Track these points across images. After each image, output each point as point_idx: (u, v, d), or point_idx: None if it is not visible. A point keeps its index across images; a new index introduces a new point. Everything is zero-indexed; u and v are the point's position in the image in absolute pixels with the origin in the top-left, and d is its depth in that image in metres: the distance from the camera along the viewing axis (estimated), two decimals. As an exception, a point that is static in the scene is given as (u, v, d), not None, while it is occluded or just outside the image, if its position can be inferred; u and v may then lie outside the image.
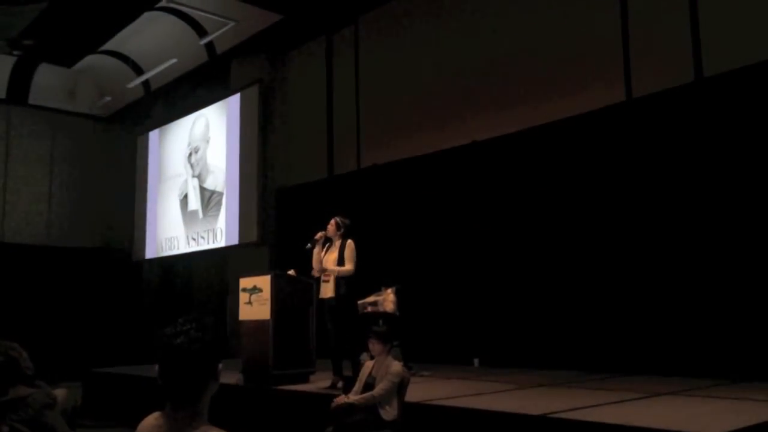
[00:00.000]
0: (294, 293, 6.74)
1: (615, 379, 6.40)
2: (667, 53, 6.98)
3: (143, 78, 12.86)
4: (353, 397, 4.63)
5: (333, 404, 4.59)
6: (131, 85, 13.06)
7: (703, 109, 6.62)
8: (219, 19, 10.71)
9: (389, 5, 9.86)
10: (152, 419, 1.75)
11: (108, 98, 14.03)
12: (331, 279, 6.27)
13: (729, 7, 6.58)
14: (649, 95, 7.01)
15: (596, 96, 7.42)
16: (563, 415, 4.37)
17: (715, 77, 6.58)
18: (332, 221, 6.40)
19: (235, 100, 11.79)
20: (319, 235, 6.42)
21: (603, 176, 7.29)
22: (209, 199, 12.17)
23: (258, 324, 6.64)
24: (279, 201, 11.51)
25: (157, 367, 1.71)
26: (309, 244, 6.44)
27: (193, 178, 12.66)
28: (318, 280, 6.48)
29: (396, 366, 4.64)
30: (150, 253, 13.78)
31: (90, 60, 13.08)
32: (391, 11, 9.87)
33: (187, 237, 12.62)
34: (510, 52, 8.32)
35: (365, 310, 7.26)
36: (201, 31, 11.34)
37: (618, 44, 7.33)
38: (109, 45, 12.39)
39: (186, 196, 12.80)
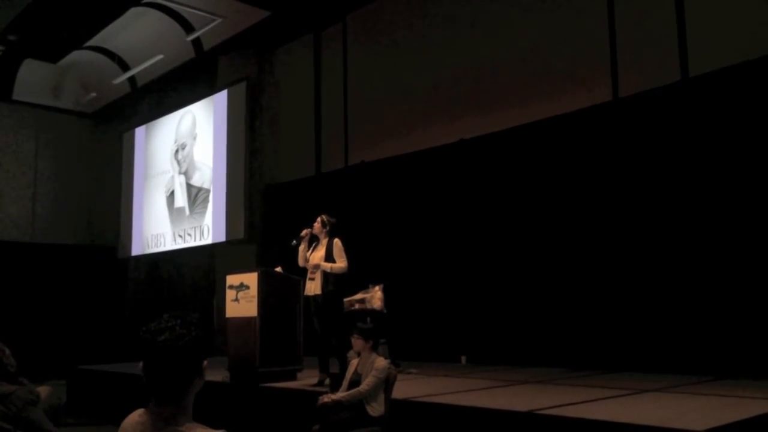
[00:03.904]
0: (281, 290, 6.72)
1: (601, 376, 6.44)
2: (654, 53, 7.02)
3: (129, 74, 12.76)
4: (339, 394, 4.62)
5: (318, 402, 4.58)
6: (117, 81, 12.95)
7: (689, 109, 6.66)
8: (206, 15, 10.65)
9: (377, 3, 9.85)
10: (136, 416, 1.73)
11: (93, 94, 13.91)
12: (318, 276, 6.25)
13: (715, 7, 6.62)
14: (636, 94, 7.05)
15: (583, 95, 7.45)
16: (550, 412, 4.39)
17: (701, 77, 6.63)
18: (318, 219, 6.40)
19: (222, 96, 11.73)
20: (304, 232, 6.42)
21: (589, 175, 7.32)
22: (196, 195, 12.11)
23: (245, 321, 6.62)
24: (266, 198, 11.47)
25: (141, 363, 1.70)
26: (294, 241, 6.44)
27: (180, 175, 12.60)
28: (305, 276, 6.47)
29: (381, 362, 4.65)
30: (136, 250, 13.70)
31: (75, 56, 12.95)
32: (379, 9, 9.86)
33: (174, 234, 12.56)
34: (498, 51, 8.33)
35: (353, 308, 7.26)
36: (188, 27, 11.27)
37: (605, 44, 7.36)
38: (95, 41, 12.28)
39: (172, 193, 12.73)
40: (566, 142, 7.55)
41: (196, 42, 11.51)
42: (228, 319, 6.89)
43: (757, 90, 6.24)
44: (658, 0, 7.02)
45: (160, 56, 11.72)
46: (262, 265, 9.02)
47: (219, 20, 10.66)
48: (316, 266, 6.23)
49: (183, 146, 12.63)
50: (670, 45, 6.85)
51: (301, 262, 6.45)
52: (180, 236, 12.37)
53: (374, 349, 4.80)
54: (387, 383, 4.59)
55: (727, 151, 6.37)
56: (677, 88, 6.79)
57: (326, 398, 4.58)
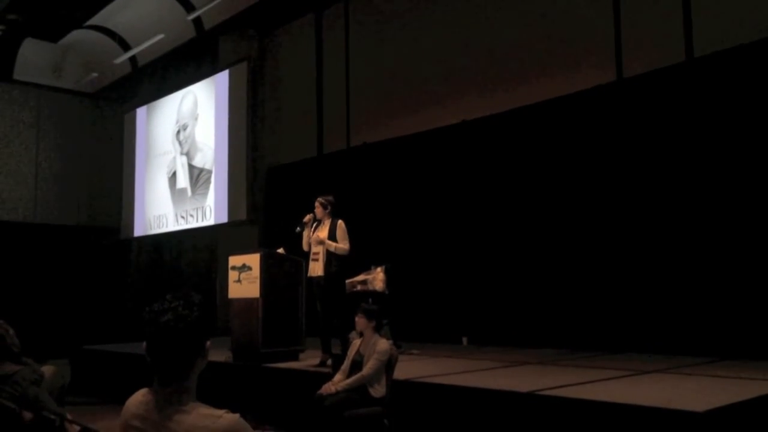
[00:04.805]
0: (283, 271, 6.74)
1: (602, 357, 6.46)
2: (658, 33, 6.95)
3: (130, 54, 12.69)
4: (341, 383, 4.61)
5: (323, 393, 4.57)
6: (118, 61, 12.88)
7: (693, 89, 6.62)
8: (207, -6, 10.56)
9: (380, -18, 9.76)
10: (140, 396, 1.74)
11: (95, 74, 13.84)
12: (321, 257, 6.26)
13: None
14: (640, 75, 7.00)
15: (587, 76, 7.40)
16: (551, 393, 4.41)
17: (705, 57, 6.58)
18: (316, 203, 6.39)
19: (223, 76, 11.67)
20: (307, 217, 6.41)
21: (593, 156, 7.29)
22: (198, 176, 12.10)
23: (247, 302, 6.64)
24: (268, 179, 11.46)
25: (144, 344, 1.70)
26: (298, 228, 6.43)
27: (182, 156, 12.57)
28: (307, 258, 6.47)
29: (383, 344, 4.66)
30: (138, 231, 13.72)
31: (76, 35, 12.88)
32: (382, -12, 9.77)
33: (176, 215, 12.56)
34: (501, 32, 8.26)
35: (355, 289, 7.28)
36: (188, 6, 11.17)
37: (609, 24, 7.29)
38: (96, 20, 12.20)
39: (174, 174, 12.72)
40: (570, 122, 7.51)
41: (197, 21, 11.42)
42: (230, 300, 6.91)
43: (762, 71, 6.19)
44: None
45: (161, 36, 11.64)
46: (264, 246, 9.04)
47: (220, -1, 10.57)
48: (321, 241, 6.21)
49: (184, 127, 12.60)
50: (675, 25, 6.79)
51: (305, 247, 6.44)
52: (182, 217, 12.38)
53: (377, 330, 4.81)
54: (389, 364, 4.61)
55: (732, 132, 6.34)
56: (682, 69, 6.74)
57: (330, 388, 4.58)
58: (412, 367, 5.73)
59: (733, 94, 6.36)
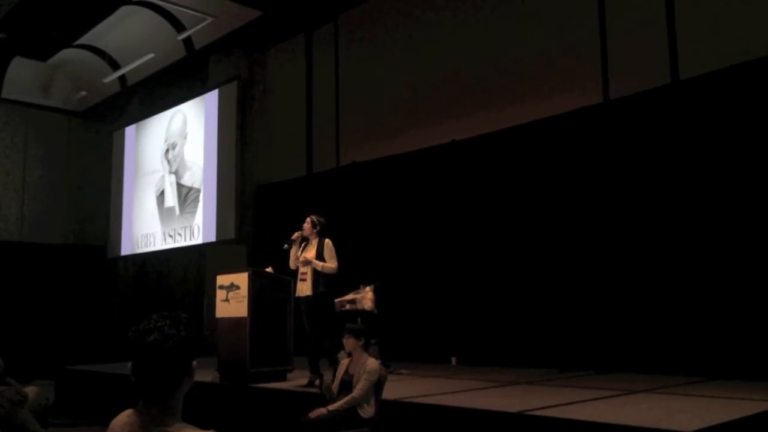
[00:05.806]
0: (272, 291, 6.69)
1: (591, 376, 6.46)
2: (644, 56, 7.05)
3: (120, 73, 12.69)
4: (332, 405, 4.56)
5: (312, 415, 4.52)
6: (107, 80, 12.87)
7: (679, 111, 6.70)
8: (197, 14, 10.61)
9: (369, 3, 9.84)
10: (125, 417, 1.72)
11: (83, 93, 13.82)
12: (309, 277, 6.24)
13: (705, 11, 6.65)
14: (626, 97, 7.08)
15: (574, 97, 7.47)
16: (540, 413, 4.39)
17: (690, 80, 6.67)
18: (308, 220, 6.39)
19: (213, 96, 11.69)
20: (295, 235, 6.41)
21: (580, 176, 7.34)
22: (186, 195, 12.06)
23: (235, 321, 6.59)
24: (257, 198, 11.44)
25: (130, 364, 1.68)
26: (286, 245, 6.41)
27: (170, 175, 12.54)
28: (295, 278, 6.45)
29: (372, 364, 4.63)
30: (126, 250, 13.63)
31: (65, 54, 12.87)
32: (371, 10, 9.85)
33: (164, 234, 12.50)
34: (489, 53, 8.34)
35: (344, 308, 7.25)
36: (179, 27, 11.21)
37: (596, 46, 7.38)
38: (85, 39, 12.20)
39: (163, 193, 12.68)
40: (557, 143, 7.57)
41: (187, 41, 11.47)
42: (218, 319, 6.86)
43: (745, 93, 6.28)
44: (648, 3, 7.05)
45: (151, 55, 11.66)
46: (252, 265, 8.98)
47: (210, 20, 10.62)
48: (308, 261, 6.20)
49: (173, 146, 12.58)
50: (661, 48, 6.88)
51: (292, 265, 6.42)
52: (170, 236, 12.31)
53: (365, 347, 4.79)
54: (377, 384, 4.58)
55: (716, 152, 6.41)
56: (667, 91, 6.82)
57: (321, 411, 4.53)
58: (401, 387, 5.70)
59: (719, 116, 6.44)
